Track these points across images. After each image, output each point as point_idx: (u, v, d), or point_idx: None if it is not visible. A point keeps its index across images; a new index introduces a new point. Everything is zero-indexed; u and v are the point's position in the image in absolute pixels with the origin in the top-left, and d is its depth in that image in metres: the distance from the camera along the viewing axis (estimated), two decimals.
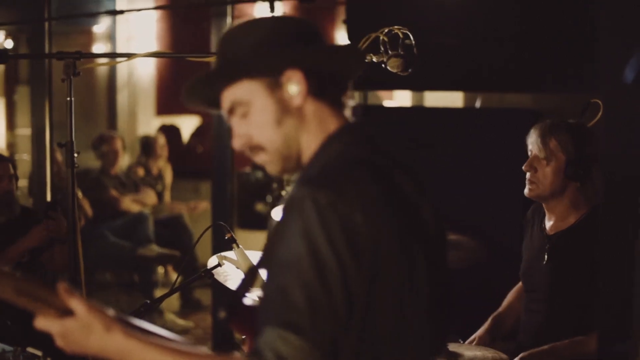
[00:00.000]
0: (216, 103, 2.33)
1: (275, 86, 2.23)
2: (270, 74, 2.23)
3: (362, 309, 2.07)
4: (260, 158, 2.29)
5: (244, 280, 2.35)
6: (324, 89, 2.26)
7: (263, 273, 2.17)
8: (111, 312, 2.11)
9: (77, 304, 2.08)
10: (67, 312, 2.08)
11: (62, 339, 2.09)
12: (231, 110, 2.28)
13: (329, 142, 2.25)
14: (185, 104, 2.34)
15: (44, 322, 2.09)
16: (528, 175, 3.98)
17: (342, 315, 2.03)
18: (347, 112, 2.32)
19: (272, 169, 2.31)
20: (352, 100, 2.35)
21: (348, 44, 2.37)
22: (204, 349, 2.13)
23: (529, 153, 3.99)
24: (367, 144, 2.27)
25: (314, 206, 2.04)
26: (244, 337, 2.39)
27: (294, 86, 2.22)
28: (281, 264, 2.05)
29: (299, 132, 2.25)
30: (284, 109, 2.23)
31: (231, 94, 2.26)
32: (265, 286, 2.10)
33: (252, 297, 2.40)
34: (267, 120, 2.23)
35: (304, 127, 2.25)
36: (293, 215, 2.07)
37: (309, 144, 2.26)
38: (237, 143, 2.30)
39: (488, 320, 4.23)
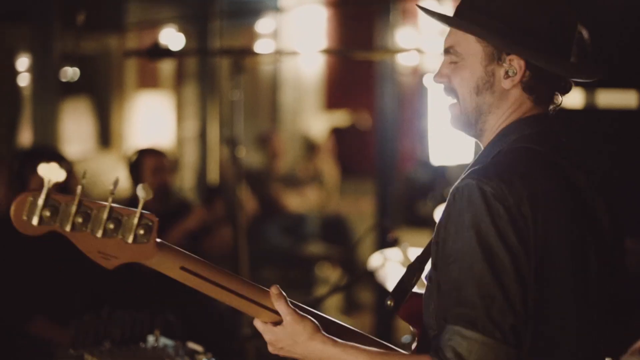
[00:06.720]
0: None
1: (494, 59, 2.23)
2: (497, 47, 2.22)
3: (534, 299, 2.04)
4: (449, 102, 2.31)
5: (411, 270, 2.36)
6: (536, 85, 2.24)
7: (430, 264, 2.21)
8: (313, 320, 2.21)
9: (285, 312, 2.19)
10: (277, 314, 2.21)
11: (272, 345, 2.24)
12: (447, 50, 2.29)
13: (509, 129, 2.24)
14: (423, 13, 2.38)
15: (261, 327, 2.23)
16: None
17: (519, 305, 2.02)
18: (550, 107, 2.31)
19: (452, 122, 2.33)
20: (561, 99, 2.32)
21: (591, 66, 2.31)
22: (396, 350, 2.23)
23: None
24: (546, 138, 2.24)
25: (481, 196, 2.04)
26: (412, 329, 2.35)
27: (510, 71, 2.21)
28: (452, 257, 2.06)
29: (492, 111, 2.26)
30: (489, 83, 2.24)
31: (455, 37, 2.28)
32: (439, 280, 2.12)
33: (419, 288, 2.40)
34: (469, 83, 2.25)
35: (499, 109, 2.25)
36: (460, 205, 2.07)
37: (495, 125, 2.26)
38: (436, 78, 2.31)
39: None
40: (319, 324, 2.20)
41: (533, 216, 2.04)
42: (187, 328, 3.42)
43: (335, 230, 8.95)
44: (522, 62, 2.20)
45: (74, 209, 2.00)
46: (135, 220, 2.04)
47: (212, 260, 2.22)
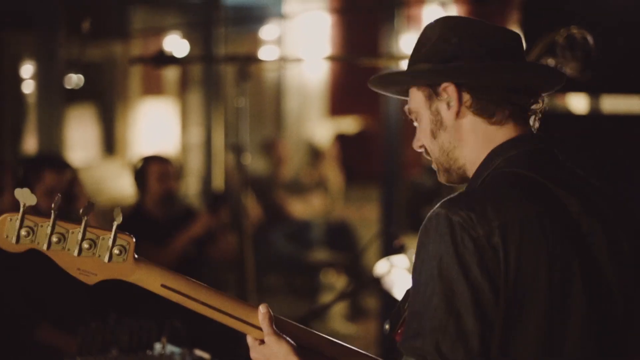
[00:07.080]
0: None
1: (432, 98, 2.20)
2: (429, 85, 2.20)
3: (501, 335, 1.96)
4: (433, 163, 2.28)
5: (406, 294, 2.27)
6: (487, 105, 2.16)
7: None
8: (290, 341, 2.21)
9: (266, 332, 2.21)
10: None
11: None
12: (409, 113, 2.28)
13: (491, 157, 2.17)
14: (372, 87, 2.37)
15: (250, 343, 2.26)
16: None
17: (476, 341, 1.94)
18: (528, 123, 2.22)
19: (439, 177, 2.27)
20: (536, 112, 2.23)
21: (527, 62, 2.23)
22: None
23: None
24: (533, 159, 2.15)
25: (447, 226, 1.98)
26: None
27: (449, 101, 2.17)
28: (416, 287, 2.02)
29: (455, 146, 2.20)
30: (439, 122, 2.20)
31: (410, 98, 2.27)
32: (408, 309, 2.09)
33: None
34: (426, 130, 2.22)
35: (462, 142, 2.20)
36: (429, 234, 2.01)
37: (473, 158, 2.20)
38: (414, 144, 2.29)
39: None
40: (295, 346, 2.19)
41: (504, 247, 1.96)
42: (194, 335, 3.41)
43: (340, 237, 8.93)
44: (452, 87, 2.15)
45: (49, 229, 2.11)
46: (110, 242, 2.12)
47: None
